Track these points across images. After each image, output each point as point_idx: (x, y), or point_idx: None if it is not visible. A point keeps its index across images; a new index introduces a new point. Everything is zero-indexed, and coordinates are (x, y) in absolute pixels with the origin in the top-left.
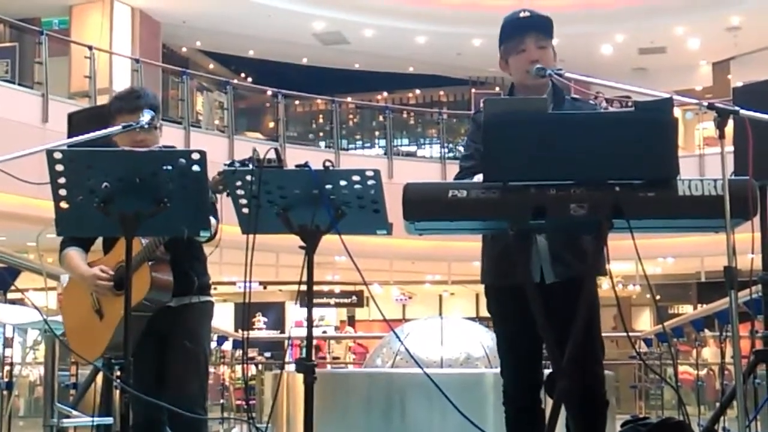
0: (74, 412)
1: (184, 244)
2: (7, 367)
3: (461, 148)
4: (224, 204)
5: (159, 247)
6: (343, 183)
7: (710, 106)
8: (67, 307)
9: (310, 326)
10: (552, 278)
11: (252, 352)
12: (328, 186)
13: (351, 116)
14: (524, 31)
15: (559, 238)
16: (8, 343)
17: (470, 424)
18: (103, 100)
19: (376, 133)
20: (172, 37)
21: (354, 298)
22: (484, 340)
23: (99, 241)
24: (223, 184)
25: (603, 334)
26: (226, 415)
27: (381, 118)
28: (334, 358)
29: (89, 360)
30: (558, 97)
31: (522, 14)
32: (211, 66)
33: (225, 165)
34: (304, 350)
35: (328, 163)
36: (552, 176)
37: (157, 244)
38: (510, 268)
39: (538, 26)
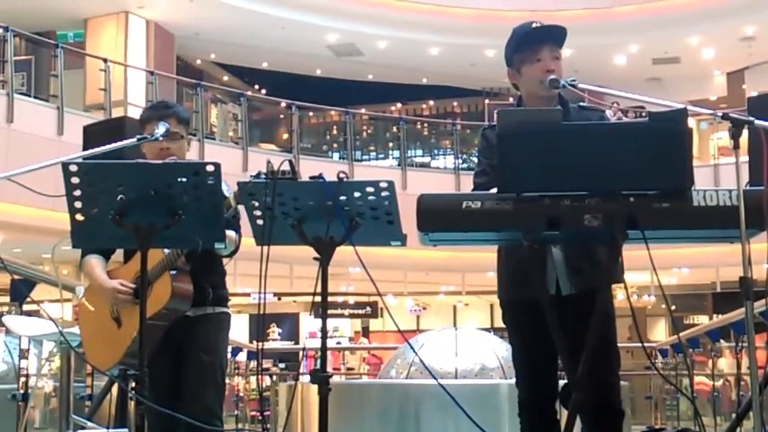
0: (89, 424)
1: (201, 257)
2: (22, 379)
3: (475, 159)
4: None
5: (180, 257)
6: (357, 194)
7: (725, 116)
8: (84, 313)
9: (324, 337)
10: (568, 290)
11: (266, 363)
12: (342, 197)
13: (365, 127)
14: (540, 42)
15: (574, 248)
16: (24, 354)
17: None
18: (118, 112)
19: (390, 144)
20: (186, 49)
21: (368, 309)
22: (499, 350)
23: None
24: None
25: (618, 345)
26: (240, 426)
27: (395, 129)
28: (349, 369)
29: (105, 369)
30: (564, 107)
31: (534, 25)
32: (225, 78)
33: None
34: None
35: (342, 175)
36: (566, 187)
37: (178, 253)
38: (525, 281)
39: (554, 37)
